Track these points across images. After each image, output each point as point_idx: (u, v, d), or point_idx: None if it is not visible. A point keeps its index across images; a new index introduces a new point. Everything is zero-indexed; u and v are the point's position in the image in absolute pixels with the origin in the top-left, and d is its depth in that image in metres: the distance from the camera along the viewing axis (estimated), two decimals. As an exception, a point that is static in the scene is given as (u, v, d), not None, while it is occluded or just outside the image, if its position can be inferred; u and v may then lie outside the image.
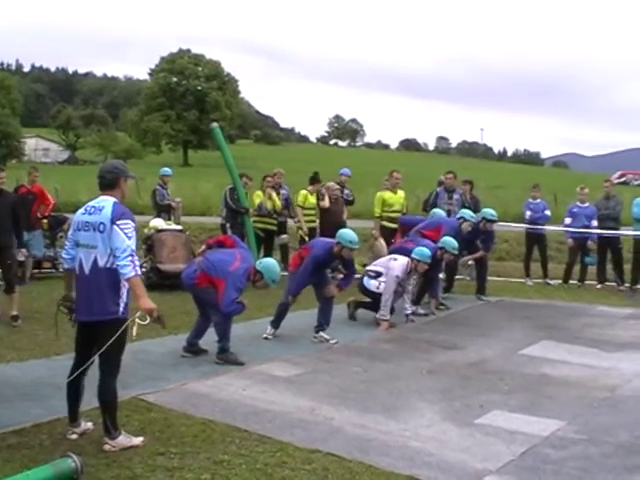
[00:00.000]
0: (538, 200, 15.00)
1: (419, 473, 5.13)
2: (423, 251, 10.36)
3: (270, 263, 8.52)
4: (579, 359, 8.61)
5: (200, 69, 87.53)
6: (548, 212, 14.85)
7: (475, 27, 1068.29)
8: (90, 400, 5.66)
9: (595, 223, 14.10)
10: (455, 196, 13.64)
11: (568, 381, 7.68)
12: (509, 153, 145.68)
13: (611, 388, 7.47)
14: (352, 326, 10.35)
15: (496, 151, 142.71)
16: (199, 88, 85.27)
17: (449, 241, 10.88)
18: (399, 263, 10.36)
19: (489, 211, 12.21)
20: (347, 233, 9.49)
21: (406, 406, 6.68)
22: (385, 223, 13.71)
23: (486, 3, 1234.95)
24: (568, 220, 14.45)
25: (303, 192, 14.34)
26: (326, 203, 14.09)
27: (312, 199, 14.20)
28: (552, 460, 5.47)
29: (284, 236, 14.49)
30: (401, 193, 14.05)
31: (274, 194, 14.11)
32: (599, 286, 14.18)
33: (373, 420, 6.25)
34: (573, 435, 6.06)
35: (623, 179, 55.81)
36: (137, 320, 5.25)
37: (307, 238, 13.07)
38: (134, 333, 5.29)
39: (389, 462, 5.29)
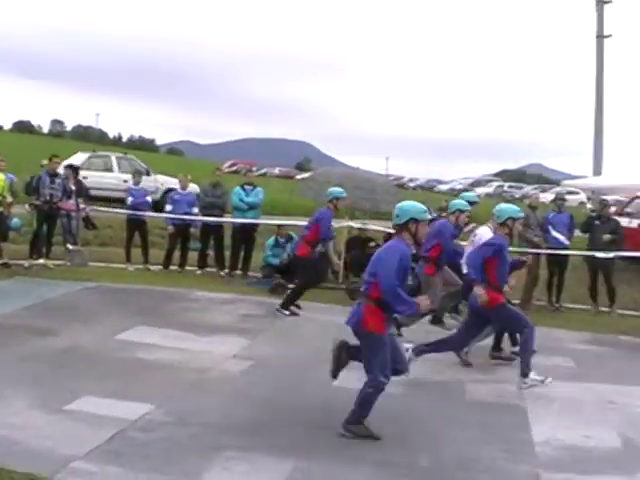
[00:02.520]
0: (140, 186, 15.06)
1: (4, 462, 4.96)
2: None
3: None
4: (173, 343, 8.81)
5: None
6: (149, 198, 14.98)
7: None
8: None
9: (196, 210, 14.51)
10: (57, 180, 13.48)
11: (161, 365, 7.85)
12: (124, 139, 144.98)
13: (202, 371, 7.81)
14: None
15: (111, 136, 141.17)
16: None
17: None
18: None
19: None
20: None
21: (-7, 395, 6.34)
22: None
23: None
24: (169, 207, 14.70)
25: None
26: None
27: None
28: (138, 443, 5.59)
29: None
30: (1, 176, 13.44)
31: None
32: (199, 272, 14.60)
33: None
34: (161, 418, 6.23)
35: (234, 168, 58.01)
36: None
37: None
38: None
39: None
